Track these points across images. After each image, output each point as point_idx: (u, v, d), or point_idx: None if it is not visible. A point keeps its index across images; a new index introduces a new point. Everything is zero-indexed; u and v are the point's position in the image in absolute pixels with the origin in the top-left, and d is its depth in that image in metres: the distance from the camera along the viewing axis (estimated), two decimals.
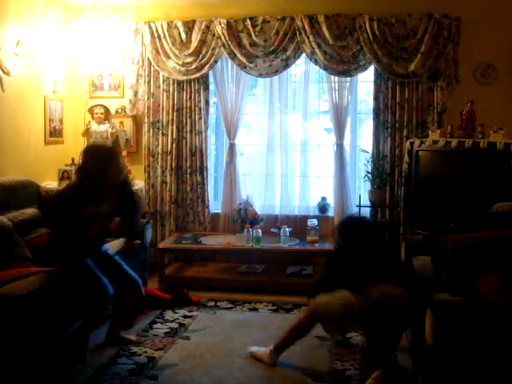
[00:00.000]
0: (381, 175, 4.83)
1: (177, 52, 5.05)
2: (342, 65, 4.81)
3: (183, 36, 5.03)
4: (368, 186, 4.92)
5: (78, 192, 3.26)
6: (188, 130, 5.17)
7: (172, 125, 5.18)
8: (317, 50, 4.78)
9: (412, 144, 4.52)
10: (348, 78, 4.92)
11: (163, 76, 5.16)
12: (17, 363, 2.89)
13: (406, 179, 4.66)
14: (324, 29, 4.76)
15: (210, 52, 4.99)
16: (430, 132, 4.56)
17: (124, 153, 5.22)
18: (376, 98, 4.89)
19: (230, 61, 5.05)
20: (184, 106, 5.16)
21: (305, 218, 5.03)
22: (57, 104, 5.10)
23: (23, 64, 4.51)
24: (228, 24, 4.91)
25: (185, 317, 4.02)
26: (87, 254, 3.38)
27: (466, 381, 2.42)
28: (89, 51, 5.25)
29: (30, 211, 3.99)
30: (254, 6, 4.99)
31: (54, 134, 5.08)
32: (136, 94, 5.24)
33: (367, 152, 4.99)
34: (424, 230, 4.31)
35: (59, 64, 5.12)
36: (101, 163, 3.25)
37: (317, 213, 5.13)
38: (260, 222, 4.94)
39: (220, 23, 4.92)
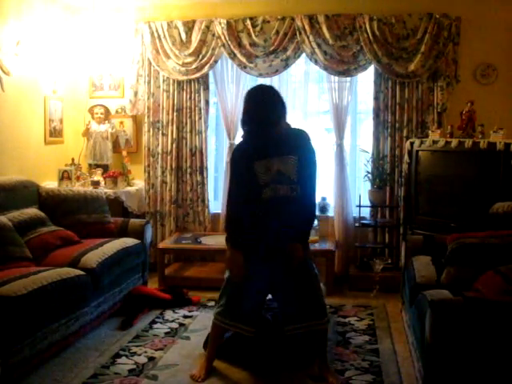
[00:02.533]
0: (381, 175, 4.83)
1: (177, 52, 5.05)
2: (342, 65, 4.81)
3: (183, 36, 5.04)
4: (368, 186, 4.92)
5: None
6: (188, 130, 5.17)
7: (172, 125, 5.18)
8: (317, 50, 4.78)
9: (412, 144, 4.52)
10: (348, 78, 4.91)
11: (163, 76, 5.16)
12: (17, 363, 2.90)
13: (405, 179, 4.65)
14: (324, 29, 4.76)
15: (210, 52, 4.99)
16: (430, 132, 4.56)
17: (124, 153, 5.23)
18: (376, 98, 4.89)
19: (230, 61, 5.05)
20: (184, 105, 5.16)
21: None
22: (57, 104, 5.10)
23: (23, 64, 4.51)
24: (228, 24, 4.91)
25: (185, 317, 4.03)
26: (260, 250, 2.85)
27: (465, 380, 2.42)
28: (89, 51, 5.26)
29: (30, 211, 3.99)
30: (254, 5, 4.99)
31: (54, 134, 5.08)
32: (136, 94, 5.23)
33: (367, 152, 4.99)
34: (424, 230, 4.32)
35: (59, 64, 5.12)
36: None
37: (317, 213, 5.12)
38: None
39: (220, 23, 4.92)
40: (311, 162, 2.92)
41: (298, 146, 2.87)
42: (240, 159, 2.91)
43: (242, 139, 2.97)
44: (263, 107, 2.76)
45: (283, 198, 2.82)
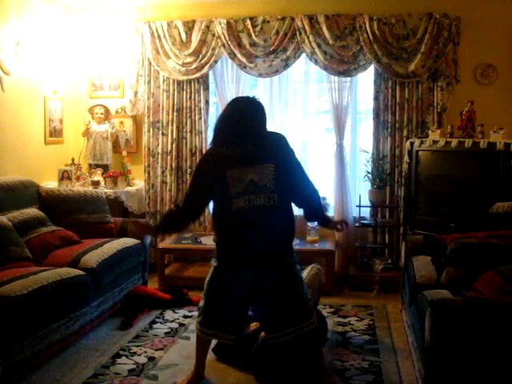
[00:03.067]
0: (381, 175, 4.83)
1: (177, 52, 5.05)
2: (342, 65, 4.81)
3: (183, 36, 5.04)
4: (368, 186, 4.92)
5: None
6: (188, 129, 5.17)
7: (172, 125, 5.18)
8: (317, 50, 4.78)
9: (412, 144, 4.52)
10: (348, 78, 4.91)
11: (163, 76, 5.16)
12: (17, 363, 2.90)
13: (405, 179, 4.66)
14: (324, 29, 4.76)
15: (210, 52, 4.99)
16: (430, 132, 4.55)
17: (124, 153, 5.24)
18: (376, 98, 4.89)
19: (229, 61, 5.05)
20: (184, 105, 5.16)
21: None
22: (57, 104, 5.10)
23: (23, 64, 4.51)
24: (228, 24, 4.91)
25: (185, 317, 4.03)
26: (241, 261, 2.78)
27: (465, 380, 2.42)
28: (89, 51, 5.26)
29: (30, 211, 3.99)
30: (254, 5, 4.99)
31: (54, 134, 5.08)
32: (136, 94, 5.23)
33: (367, 152, 4.99)
34: (424, 230, 4.31)
35: (59, 64, 5.12)
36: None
37: None
38: None
39: (220, 23, 4.92)
40: (294, 164, 2.86)
41: (274, 153, 2.76)
42: (209, 167, 2.79)
43: (212, 145, 2.86)
44: (247, 121, 2.73)
45: (260, 208, 2.70)
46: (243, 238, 2.75)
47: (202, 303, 2.93)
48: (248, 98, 2.90)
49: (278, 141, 2.85)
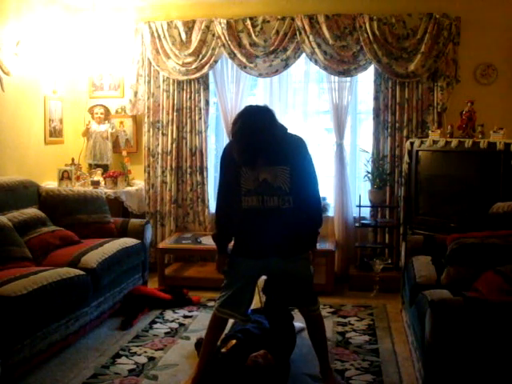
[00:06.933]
0: (381, 175, 4.83)
1: (177, 52, 5.05)
2: (342, 65, 4.81)
3: (183, 36, 5.04)
4: (368, 186, 4.92)
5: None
6: (188, 129, 5.17)
7: (172, 125, 5.18)
8: (317, 50, 4.79)
9: (412, 144, 4.52)
10: (348, 78, 4.91)
11: (163, 76, 5.17)
12: (17, 363, 2.90)
13: (405, 179, 4.66)
14: (324, 29, 4.76)
15: (210, 52, 4.99)
16: (430, 132, 4.56)
17: (124, 153, 5.24)
18: (376, 98, 4.89)
19: (230, 61, 5.05)
20: (184, 105, 5.17)
21: None
22: (57, 104, 5.10)
23: (23, 64, 4.51)
24: (228, 24, 4.91)
25: (185, 317, 4.03)
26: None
27: (465, 380, 2.42)
28: (89, 51, 5.27)
29: (30, 211, 3.99)
30: (254, 6, 4.99)
31: (54, 134, 5.09)
32: (136, 94, 5.24)
33: (367, 152, 5.00)
34: (424, 230, 4.32)
35: (59, 64, 5.12)
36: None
37: None
38: None
39: (220, 23, 4.92)
40: (309, 171, 2.87)
41: (291, 155, 2.75)
42: (228, 159, 2.80)
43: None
44: (257, 137, 2.61)
45: (273, 210, 2.74)
46: (254, 236, 2.81)
47: (222, 288, 2.95)
48: (254, 110, 2.74)
49: (296, 145, 2.83)
